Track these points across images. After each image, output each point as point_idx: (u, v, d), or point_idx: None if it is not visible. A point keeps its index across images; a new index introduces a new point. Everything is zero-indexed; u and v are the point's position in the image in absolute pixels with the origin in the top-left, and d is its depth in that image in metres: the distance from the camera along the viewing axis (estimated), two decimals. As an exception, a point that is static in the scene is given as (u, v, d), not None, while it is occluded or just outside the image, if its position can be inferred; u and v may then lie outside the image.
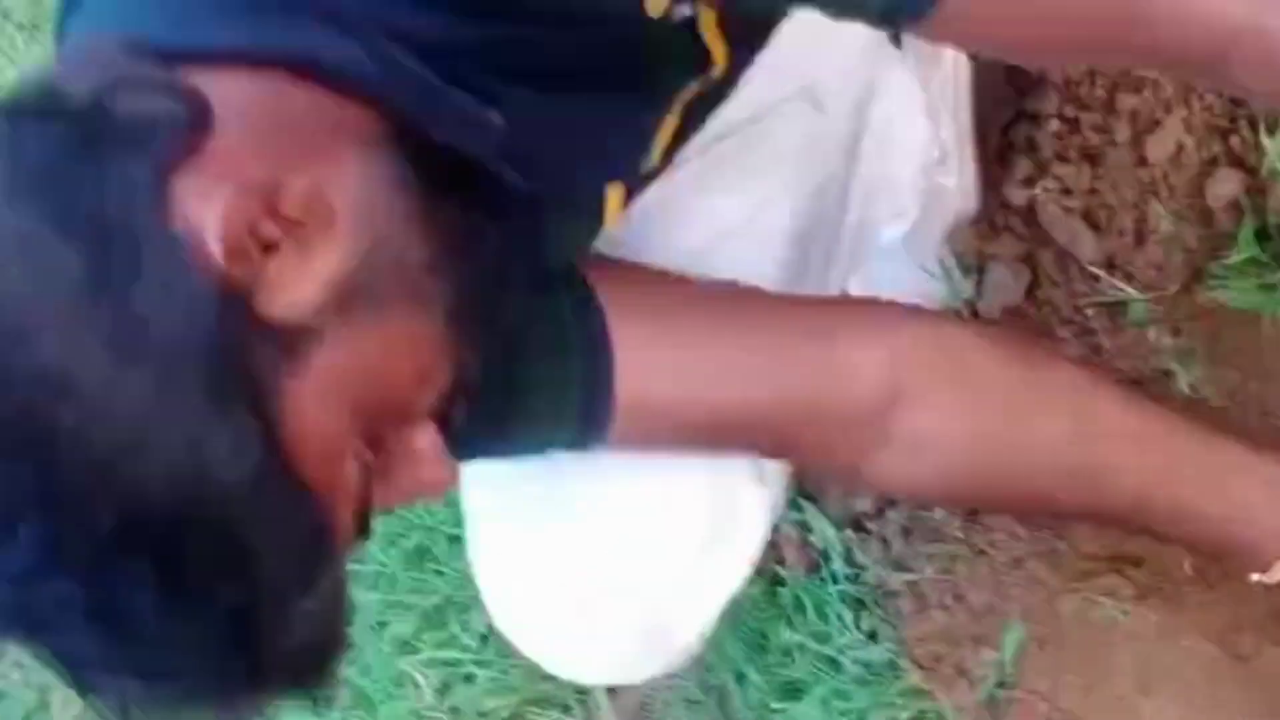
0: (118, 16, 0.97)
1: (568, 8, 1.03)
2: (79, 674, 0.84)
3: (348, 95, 0.96)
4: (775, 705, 1.78)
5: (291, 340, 0.87)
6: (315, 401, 0.89)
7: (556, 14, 1.03)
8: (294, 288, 0.87)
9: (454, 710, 2.13)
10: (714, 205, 1.39)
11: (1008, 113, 1.63)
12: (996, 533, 1.66)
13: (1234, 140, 1.48)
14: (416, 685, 2.16)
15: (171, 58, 0.91)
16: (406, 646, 2.21)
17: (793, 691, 1.77)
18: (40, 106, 0.87)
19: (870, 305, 1.43)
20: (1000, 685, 1.62)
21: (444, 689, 2.13)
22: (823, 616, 1.74)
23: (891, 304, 1.44)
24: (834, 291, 1.57)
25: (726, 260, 1.36)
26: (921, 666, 1.66)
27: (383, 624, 2.24)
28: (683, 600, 1.38)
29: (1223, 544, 1.35)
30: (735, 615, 1.77)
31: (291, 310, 0.86)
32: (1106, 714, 1.56)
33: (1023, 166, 1.58)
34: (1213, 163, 1.48)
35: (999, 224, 1.62)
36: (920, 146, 1.56)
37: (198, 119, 0.87)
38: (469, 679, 2.11)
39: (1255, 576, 1.34)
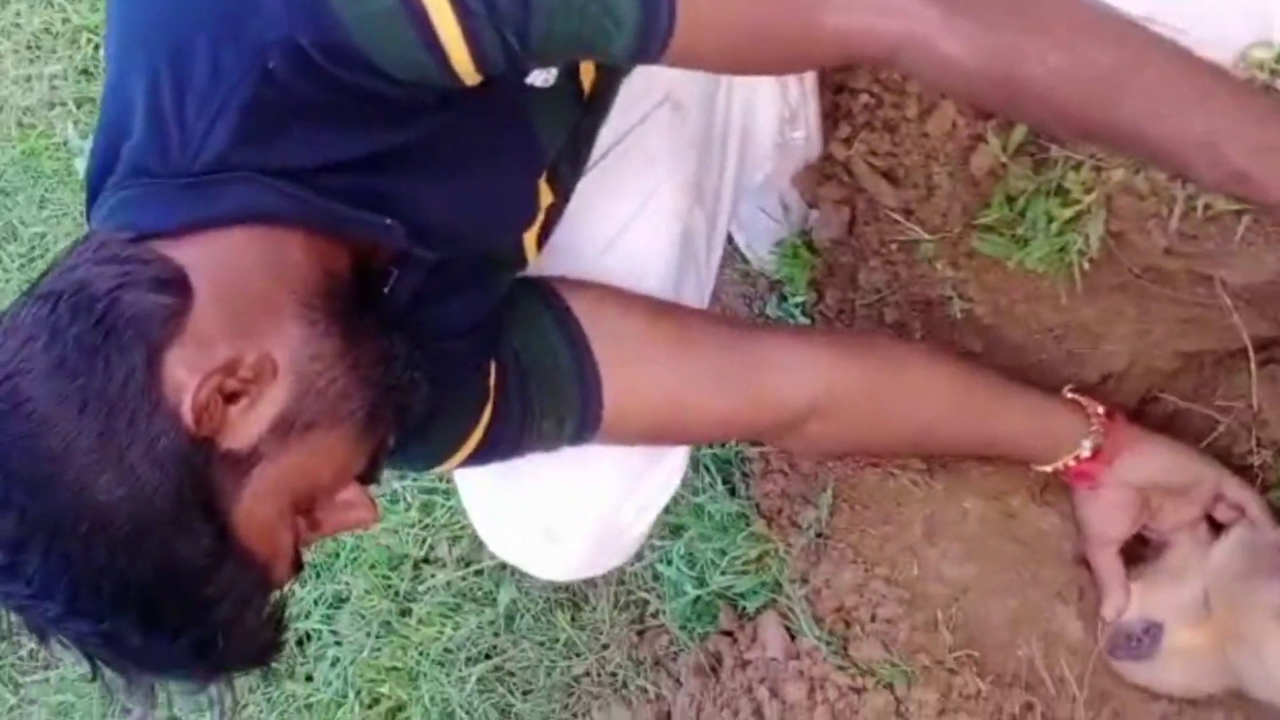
0: (117, 210, 1.17)
1: (451, 101, 1.16)
2: (90, 660, 1.12)
3: (285, 229, 1.17)
4: (658, 543, 2.00)
5: (241, 463, 1.11)
6: (257, 502, 1.13)
7: (439, 112, 1.18)
8: (245, 429, 1.11)
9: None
10: (606, 209, 1.57)
11: (833, 83, 1.78)
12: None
13: (991, 123, 1.60)
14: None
15: (150, 236, 1.12)
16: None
17: (675, 530, 1.99)
18: (74, 301, 1.09)
19: (792, 340, 1.66)
20: (819, 535, 1.83)
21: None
22: (696, 473, 1.96)
23: (803, 339, 1.70)
24: (717, 253, 1.79)
25: (620, 255, 1.58)
26: (764, 517, 1.89)
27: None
28: (626, 513, 1.63)
29: (1010, 459, 1.74)
30: None
31: (243, 443, 1.11)
32: (899, 559, 1.80)
33: (843, 129, 1.73)
34: (977, 138, 1.61)
35: (827, 172, 1.79)
36: (773, 109, 1.75)
37: (181, 307, 1.10)
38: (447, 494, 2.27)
39: (1036, 466, 1.72)
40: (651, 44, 1.13)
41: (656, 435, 1.58)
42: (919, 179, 1.70)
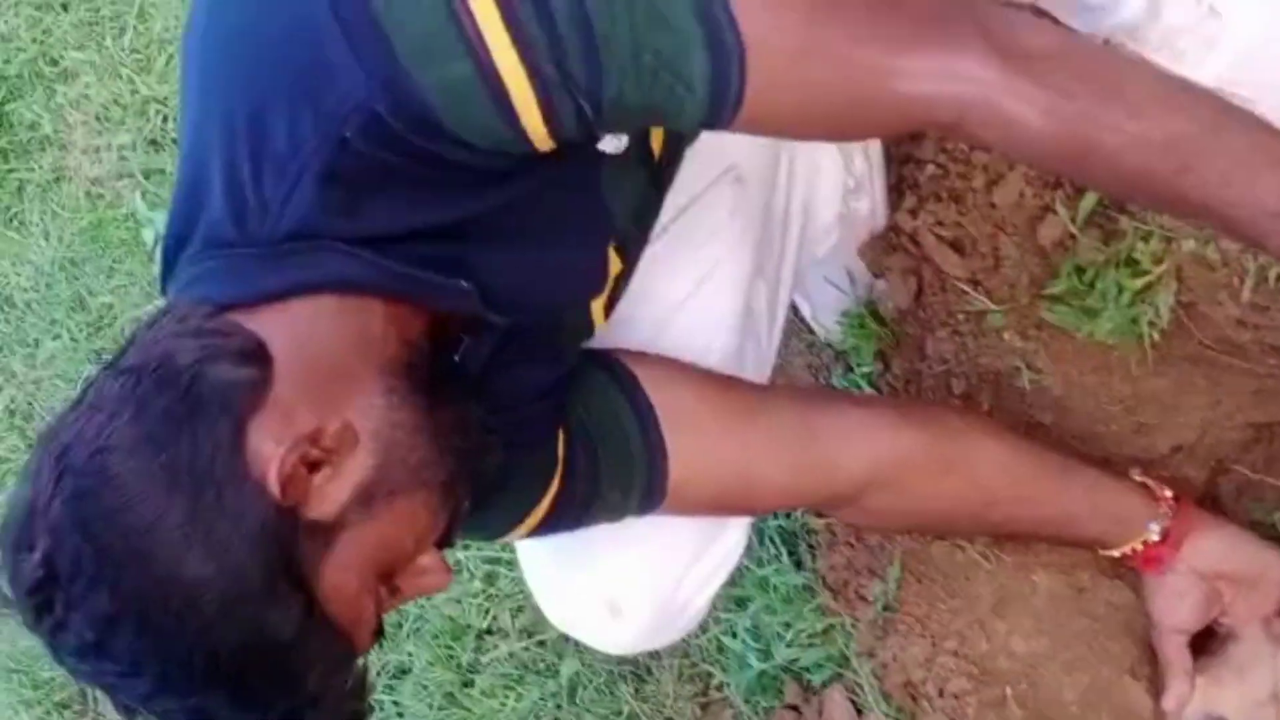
0: (195, 282, 1.19)
1: (526, 169, 1.16)
2: None
3: (365, 297, 1.17)
4: (723, 616, 1.97)
5: (326, 532, 1.11)
6: (342, 571, 1.12)
7: (514, 179, 1.18)
8: (329, 498, 1.11)
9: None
10: (668, 282, 1.57)
11: (899, 154, 1.79)
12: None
13: (1059, 193, 1.62)
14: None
15: (230, 308, 1.13)
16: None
17: (740, 602, 1.97)
18: (158, 375, 1.10)
19: (853, 409, 1.64)
20: (886, 608, 1.82)
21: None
22: (762, 545, 1.96)
23: (868, 410, 1.67)
24: (779, 327, 1.77)
25: (682, 328, 1.58)
26: (831, 589, 1.89)
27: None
28: (688, 587, 1.62)
29: (1075, 544, 1.68)
30: None
31: (328, 513, 1.11)
32: (967, 633, 1.78)
33: (909, 199, 1.74)
34: (1045, 209, 1.63)
35: (893, 243, 1.79)
36: (836, 182, 1.74)
37: (263, 378, 1.11)
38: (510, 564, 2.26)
39: (1103, 551, 1.66)
40: (723, 109, 1.14)
41: (720, 506, 1.58)
42: (986, 249, 1.70)
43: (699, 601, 1.65)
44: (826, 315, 1.94)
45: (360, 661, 1.18)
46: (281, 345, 1.13)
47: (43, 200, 3.23)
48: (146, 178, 3.12)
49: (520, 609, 2.28)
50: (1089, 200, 1.59)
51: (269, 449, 1.08)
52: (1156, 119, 1.18)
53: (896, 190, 1.80)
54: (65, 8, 3.27)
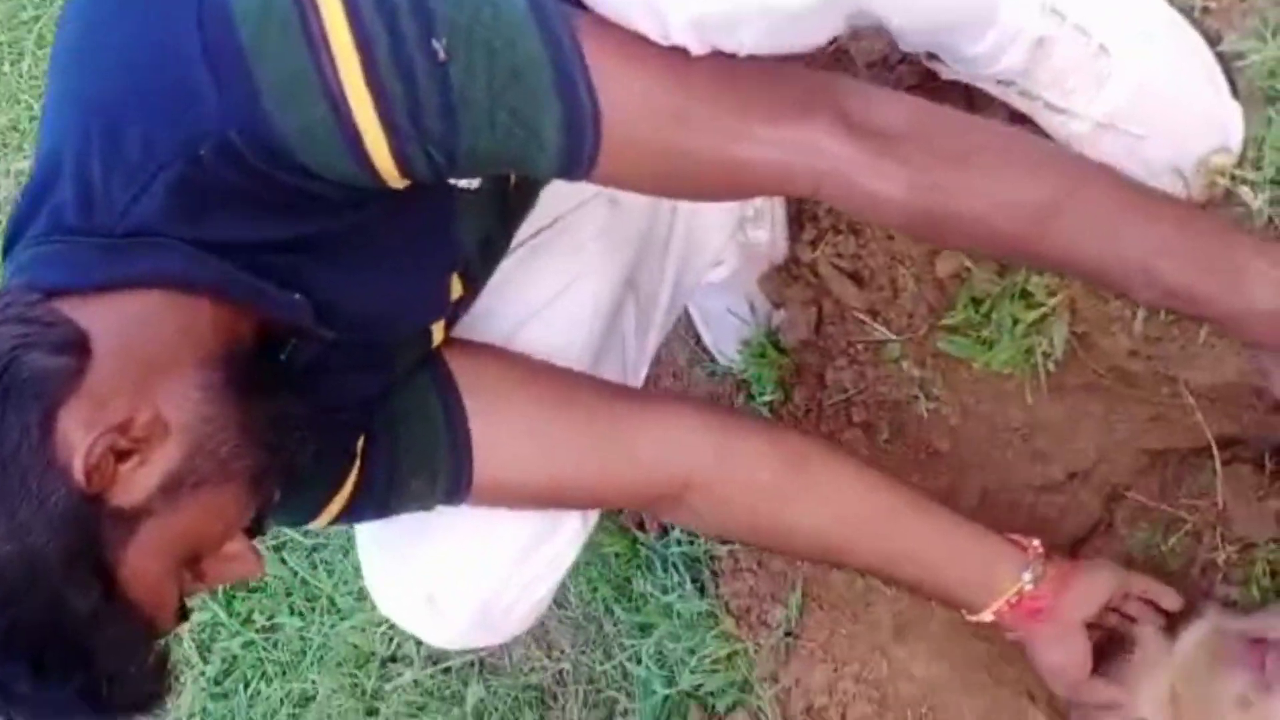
0: (30, 265, 1.20)
1: (375, 198, 1.19)
2: None
3: (194, 297, 1.19)
4: (628, 642, 1.99)
5: (130, 519, 1.13)
6: (144, 557, 1.15)
7: (362, 207, 1.21)
8: (136, 486, 1.14)
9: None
10: (528, 287, 1.58)
11: None
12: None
13: None
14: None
15: (64, 291, 1.15)
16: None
17: (644, 629, 1.98)
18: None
19: (672, 407, 1.63)
20: (788, 634, 1.82)
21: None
22: (666, 572, 1.96)
23: (689, 408, 1.65)
24: (649, 349, 1.78)
25: (537, 335, 1.58)
26: (733, 615, 1.88)
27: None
28: (511, 590, 1.60)
29: (942, 597, 1.63)
30: (607, 564, 2.04)
31: (132, 500, 1.13)
32: (869, 658, 1.78)
33: (809, 231, 1.76)
34: None
35: (793, 273, 1.80)
36: (724, 210, 1.75)
37: (79, 367, 1.12)
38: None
39: (969, 617, 1.61)
40: (577, 166, 1.18)
41: (533, 499, 1.58)
42: (884, 281, 1.71)
43: (523, 605, 1.65)
44: (728, 344, 1.94)
45: (162, 643, 1.20)
46: (105, 336, 1.14)
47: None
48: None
49: (423, 637, 2.27)
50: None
51: (77, 436, 1.09)
52: (1012, 185, 1.23)
53: (796, 222, 1.81)
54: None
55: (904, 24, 1.35)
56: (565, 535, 1.63)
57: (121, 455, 1.12)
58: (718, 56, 1.19)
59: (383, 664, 2.32)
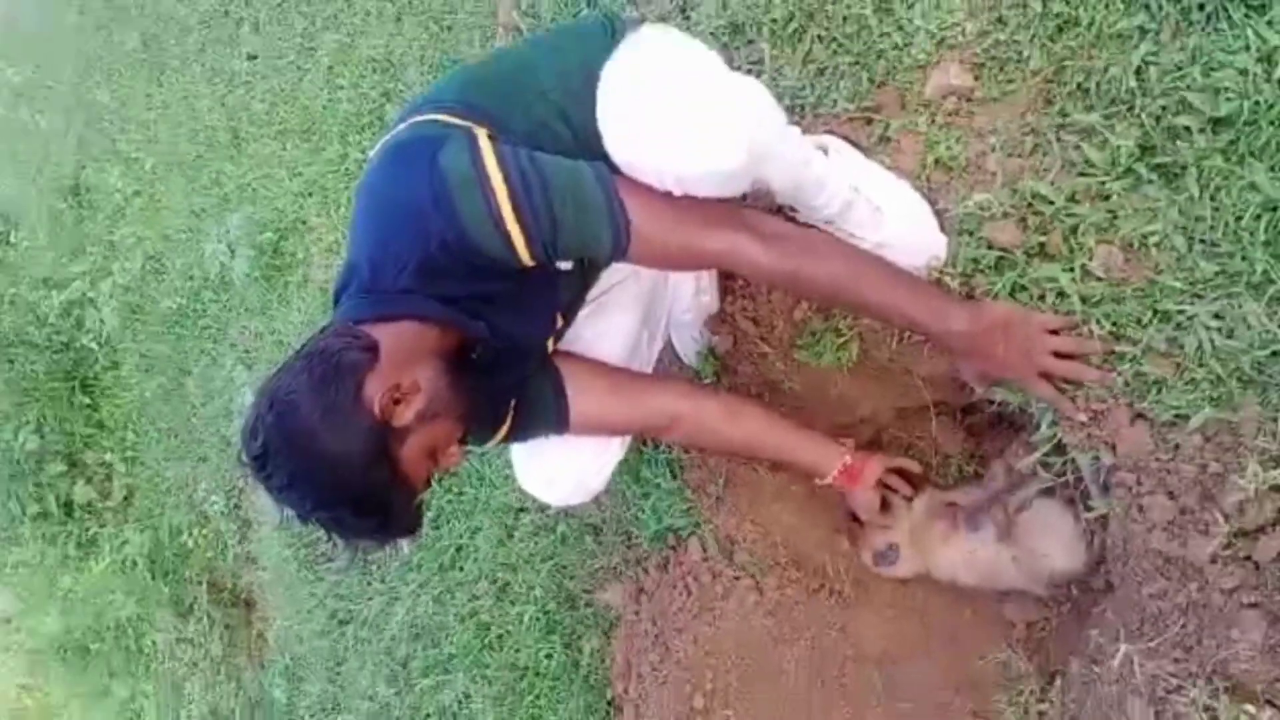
0: (347, 308, 1.25)
1: (520, 273, 1.21)
2: (326, 530, 1.19)
3: (430, 324, 1.24)
4: (636, 501, 1.98)
5: (403, 432, 1.20)
6: (411, 452, 1.21)
7: (513, 278, 1.23)
8: (404, 416, 1.20)
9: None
10: (594, 326, 1.62)
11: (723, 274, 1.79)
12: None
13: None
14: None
15: (364, 321, 1.21)
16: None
17: (645, 495, 1.97)
18: (321, 356, 1.16)
19: (668, 381, 1.70)
20: (718, 500, 1.86)
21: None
22: (656, 466, 1.96)
23: (676, 381, 1.73)
24: (659, 347, 1.80)
25: (601, 349, 1.62)
26: (691, 488, 1.92)
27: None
28: (590, 475, 1.66)
29: (803, 469, 1.66)
30: (629, 464, 1.95)
31: (402, 423, 1.20)
32: (760, 511, 1.86)
33: (730, 296, 1.80)
34: (797, 303, 1.69)
35: (722, 318, 1.83)
36: (690, 282, 1.79)
37: (372, 357, 1.18)
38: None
39: (818, 482, 1.67)
40: (617, 254, 1.24)
41: (599, 428, 1.58)
42: (767, 322, 1.78)
43: (595, 481, 1.67)
44: (689, 355, 1.93)
45: (421, 498, 1.25)
46: (387, 343, 1.21)
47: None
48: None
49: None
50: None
51: (374, 392, 1.18)
52: (836, 266, 1.27)
53: (724, 290, 1.83)
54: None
55: (779, 188, 1.40)
56: (614, 447, 1.69)
57: (396, 401, 1.19)
58: (688, 197, 1.22)
59: (515, 513, 2.32)
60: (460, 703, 2.32)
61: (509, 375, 1.42)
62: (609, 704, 1.96)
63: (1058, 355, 1.33)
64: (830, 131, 1.57)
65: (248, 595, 3.36)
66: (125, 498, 3.94)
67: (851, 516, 1.83)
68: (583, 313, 1.58)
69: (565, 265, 1.31)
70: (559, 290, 1.39)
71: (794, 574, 1.84)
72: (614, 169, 1.21)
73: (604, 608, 2.05)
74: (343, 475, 1.15)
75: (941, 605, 1.79)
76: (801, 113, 1.61)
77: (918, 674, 1.74)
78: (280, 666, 3.04)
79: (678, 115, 1.16)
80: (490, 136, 1.17)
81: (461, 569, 2.41)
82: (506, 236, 1.16)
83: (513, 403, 1.48)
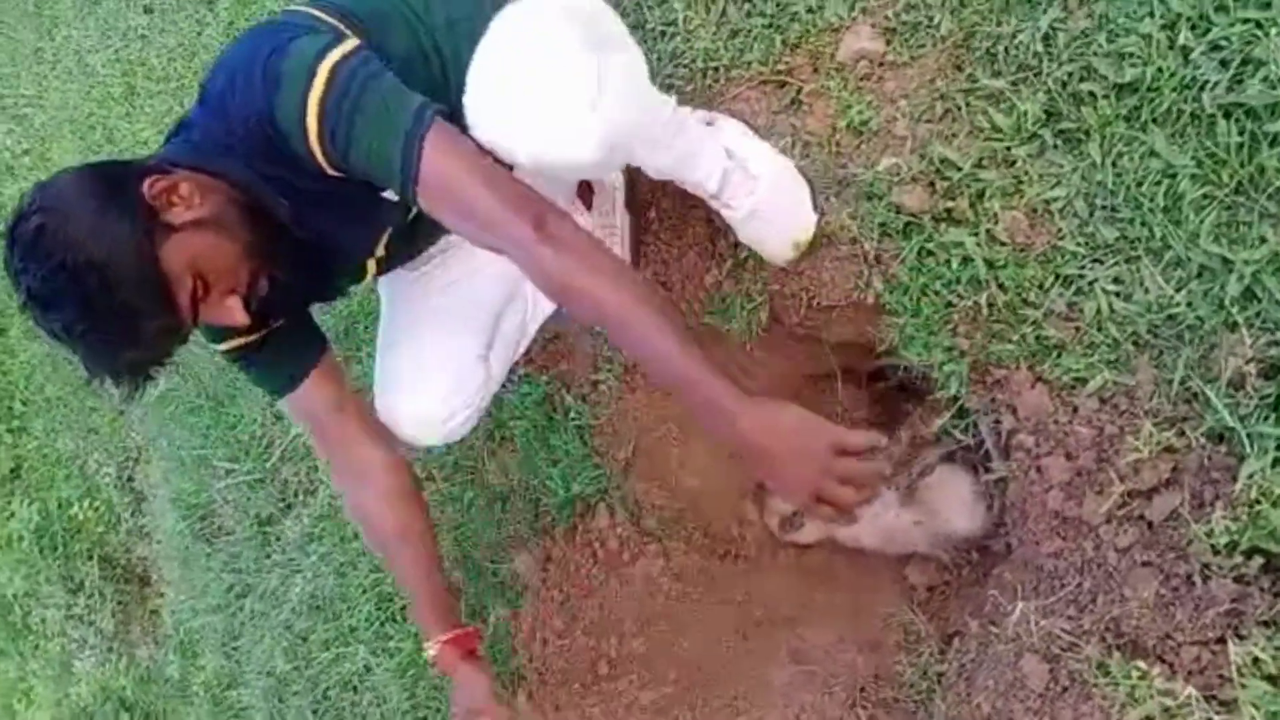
0: (163, 151, 1.27)
1: (339, 180, 1.21)
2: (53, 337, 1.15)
3: (237, 188, 1.26)
4: (546, 469, 1.98)
5: (167, 228, 1.19)
6: (174, 252, 1.19)
7: (335, 180, 1.22)
8: (176, 215, 1.21)
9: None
10: (447, 270, 1.59)
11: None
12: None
13: (714, 261, 1.69)
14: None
15: (179, 165, 1.23)
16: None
17: (554, 463, 1.98)
18: (119, 184, 1.17)
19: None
20: (627, 466, 1.87)
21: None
22: (567, 434, 1.97)
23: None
24: (524, 344, 1.79)
25: (460, 292, 1.60)
26: (600, 455, 1.91)
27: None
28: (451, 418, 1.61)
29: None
30: (540, 432, 1.97)
31: (170, 220, 1.20)
32: (671, 473, 1.87)
33: (645, 259, 1.78)
34: (709, 269, 1.72)
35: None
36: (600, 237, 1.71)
37: (163, 168, 1.22)
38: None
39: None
40: (408, 188, 1.17)
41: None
42: (679, 286, 1.78)
43: (455, 424, 1.63)
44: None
45: (177, 330, 1.22)
46: (188, 179, 1.24)
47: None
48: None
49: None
50: (729, 264, 1.69)
51: (151, 187, 1.20)
52: (608, 297, 1.13)
53: (636, 255, 1.79)
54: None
55: (655, 168, 1.41)
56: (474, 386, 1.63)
57: (171, 202, 1.20)
58: (499, 167, 1.17)
59: (421, 483, 1.92)
60: (361, 676, 2.29)
61: (310, 272, 1.40)
62: (514, 674, 1.96)
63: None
64: (742, 96, 1.58)
65: (141, 570, 3.30)
66: (12, 470, 3.86)
67: (758, 483, 1.87)
68: (434, 250, 1.58)
69: (389, 192, 1.27)
70: (380, 213, 1.38)
71: (701, 540, 1.87)
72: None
73: (511, 577, 2.05)
74: (95, 251, 1.13)
75: (846, 569, 1.81)
76: (715, 75, 1.62)
77: (822, 637, 1.76)
78: (175, 642, 3.00)
79: (535, 106, 1.17)
80: (358, 47, 1.18)
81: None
82: (304, 128, 1.16)
83: (297, 312, 1.48)
